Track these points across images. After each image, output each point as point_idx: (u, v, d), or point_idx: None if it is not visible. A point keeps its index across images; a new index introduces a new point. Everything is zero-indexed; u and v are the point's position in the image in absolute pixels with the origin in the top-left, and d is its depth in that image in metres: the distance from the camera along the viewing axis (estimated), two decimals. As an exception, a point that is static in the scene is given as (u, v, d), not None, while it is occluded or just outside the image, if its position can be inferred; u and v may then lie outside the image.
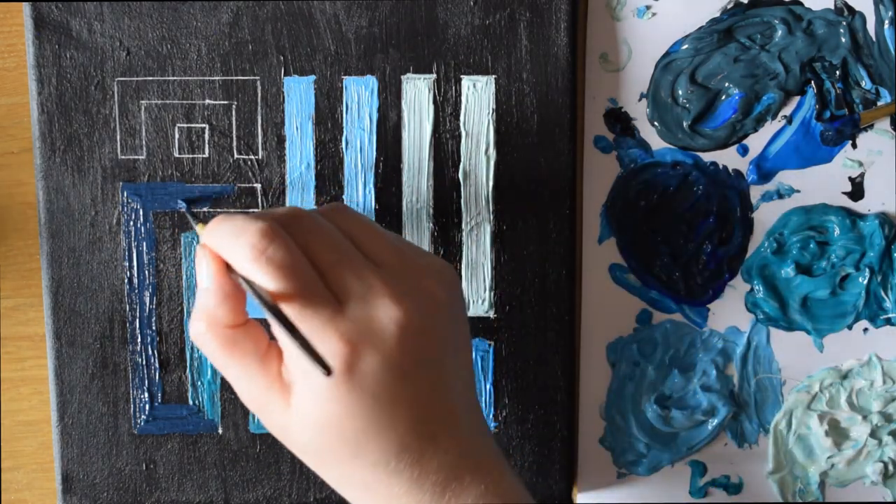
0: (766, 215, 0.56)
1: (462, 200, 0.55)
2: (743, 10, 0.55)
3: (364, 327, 0.40)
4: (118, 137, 0.54)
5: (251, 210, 0.54)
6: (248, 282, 0.41)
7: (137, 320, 0.55)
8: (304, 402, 0.41)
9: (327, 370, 0.39)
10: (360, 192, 0.54)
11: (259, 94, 0.54)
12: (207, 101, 0.54)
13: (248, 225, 0.40)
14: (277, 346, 0.42)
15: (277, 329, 0.40)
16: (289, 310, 0.40)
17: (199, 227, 0.46)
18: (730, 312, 0.57)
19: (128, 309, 0.55)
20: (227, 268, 0.42)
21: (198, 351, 0.55)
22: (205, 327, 0.42)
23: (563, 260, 0.55)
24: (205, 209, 0.54)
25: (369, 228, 0.44)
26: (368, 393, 0.40)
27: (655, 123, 0.55)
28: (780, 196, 0.56)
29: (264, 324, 0.42)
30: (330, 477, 0.43)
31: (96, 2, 0.53)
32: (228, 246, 0.41)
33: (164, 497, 0.56)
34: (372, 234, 0.44)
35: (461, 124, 0.54)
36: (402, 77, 0.54)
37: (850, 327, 0.57)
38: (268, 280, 0.40)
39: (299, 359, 0.40)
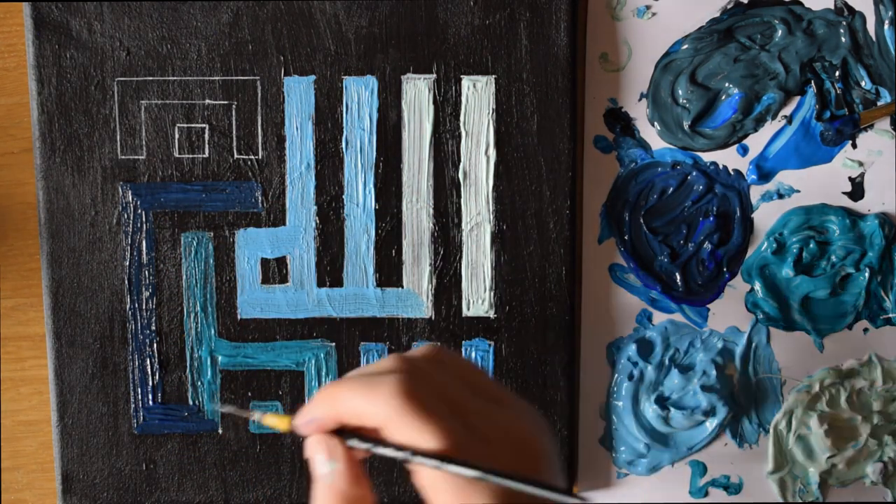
0: (766, 215, 0.56)
1: (462, 200, 0.55)
2: (743, 10, 0.55)
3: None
4: (118, 137, 0.54)
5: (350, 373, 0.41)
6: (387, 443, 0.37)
7: (137, 320, 0.55)
8: None
9: (577, 497, 0.36)
10: (360, 192, 0.54)
11: (259, 94, 0.54)
12: (207, 101, 0.54)
13: (386, 378, 0.36)
14: None
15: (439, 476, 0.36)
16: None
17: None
18: (730, 312, 0.57)
19: (128, 309, 0.55)
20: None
21: (198, 350, 0.55)
22: None
23: (563, 260, 0.55)
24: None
25: (475, 370, 0.41)
26: None
27: (655, 123, 0.55)
28: (780, 196, 0.56)
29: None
30: None
31: (96, 2, 0.53)
32: (372, 402, 0.36)
33: (164, 497, 0.56)
34: (478, 374, 0.41)
35: (461, 124, 0.54)
36: (402, 77, 0.54)
37: (850, 327, 0.57)
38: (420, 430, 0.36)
39: None
